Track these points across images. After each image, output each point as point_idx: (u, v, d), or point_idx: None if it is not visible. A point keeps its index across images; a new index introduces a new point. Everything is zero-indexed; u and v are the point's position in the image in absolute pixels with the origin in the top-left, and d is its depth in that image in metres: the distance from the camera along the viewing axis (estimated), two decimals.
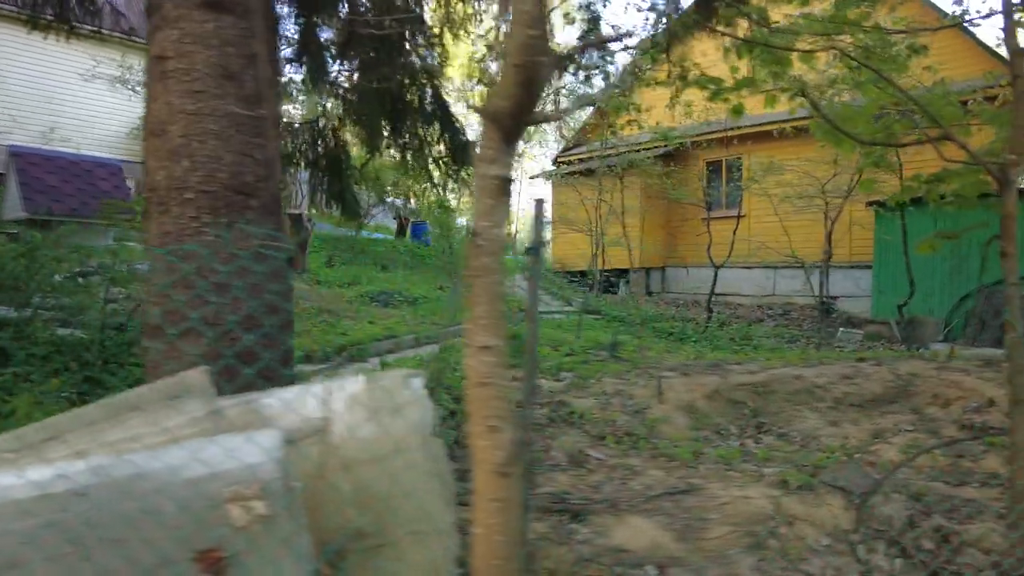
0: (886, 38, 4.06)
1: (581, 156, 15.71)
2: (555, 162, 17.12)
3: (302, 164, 7.00)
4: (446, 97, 6.14)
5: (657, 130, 8.89)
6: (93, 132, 14.63)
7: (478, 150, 1.61)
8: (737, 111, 4.00)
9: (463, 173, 6.30)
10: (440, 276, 13.40)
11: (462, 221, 25.28)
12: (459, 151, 6.22)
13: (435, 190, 6.21)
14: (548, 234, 15.43)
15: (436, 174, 6.31)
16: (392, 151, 6.59)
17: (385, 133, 6.54)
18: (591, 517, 2.79)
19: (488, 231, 1.59)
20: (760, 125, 12.22)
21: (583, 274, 14.83)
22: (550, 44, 1.52)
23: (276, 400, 2.04)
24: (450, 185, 6.24)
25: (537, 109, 1.62)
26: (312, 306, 9.21)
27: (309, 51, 6.20)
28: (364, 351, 7.33)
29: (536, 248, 2.07)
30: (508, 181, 1.62)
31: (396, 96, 6.12)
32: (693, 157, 14.10)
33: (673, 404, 4.78)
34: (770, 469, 3.51)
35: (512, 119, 1.56)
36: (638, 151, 13.34)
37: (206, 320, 2.29)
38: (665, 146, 14.14)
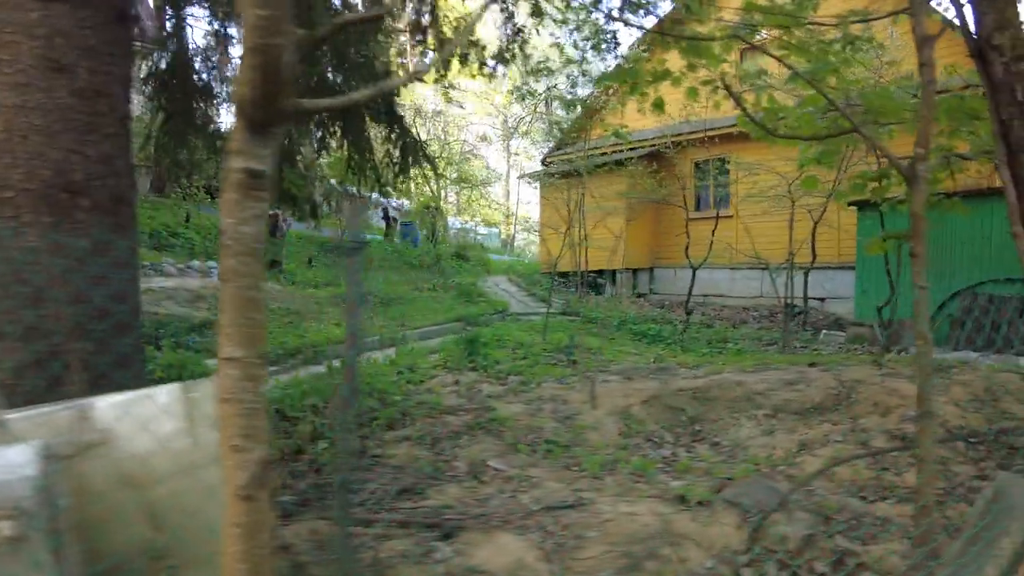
0: (819, 30, 3.86)
1: (568, 157, 15.53)
2: (544, 162, 16.96)
3: None
4: (395, 97, 6.01)
5: (607, 127, 8.68)
6: None
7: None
8: (658, 106, 3.82)
9: (413, 172, 6.16)
10: (421, 277, 13.30)
11: (457, 222, 25.18)
12: (408, 150, 6.09)
13: (381, 189, 6.06)
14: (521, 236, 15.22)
15: (387, 174, 6.18)
16: (344, 150, 6.44)
17: (337, 131, 6.42)
18: (462, 533, 2.64)
19: (234, 229, 1.45)
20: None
21: (565, 275, 14.67)
22: (290, 25, 1.37)
23: (69, 412, 1.91)
24: (399, 184, 6.10)
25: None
26: (280, 307, 9.13)
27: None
28: (320, 353, 7.21)
29: (355, 249, 1.92)
30: (256, 174, 1.48)
31: (340, 93, 6.00)
32: (680, 157, 13.86)
33: (607, 410, 4.61)
34: (680, 482, 3.34)
35: (254, 107, 1.42)
36: (620, 151, 13.16)
37: (23, 324, 2.17)
38: (652, 146, 13.97)
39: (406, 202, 17.88)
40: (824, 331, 10.50)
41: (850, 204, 10.43)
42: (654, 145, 13.79)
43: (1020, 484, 2.05)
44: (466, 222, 25.33)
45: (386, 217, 17.56)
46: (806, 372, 4.89)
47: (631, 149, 14.04)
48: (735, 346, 9.27)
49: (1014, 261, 9.04)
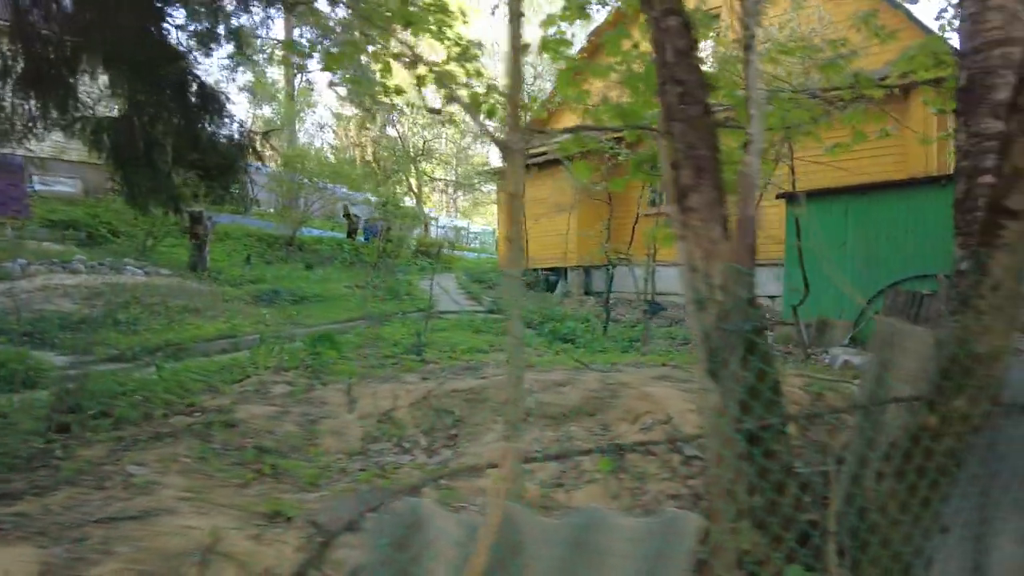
0: None
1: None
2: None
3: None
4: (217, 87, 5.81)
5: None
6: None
7: None
8: (398, 92, 3.52)
9: (226, 179, 5.93)
10: (360, 275, 13.15)
11: (445, 219, 25.00)
12: (232, 141, 5.89)
13: (210, 184, 5.88)
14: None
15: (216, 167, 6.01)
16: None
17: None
18: None
19: None
20: None
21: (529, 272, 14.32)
22: None
23: None
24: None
25: None
26: (177, 304, 9.09)
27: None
28: (184, 351, 7.11)
29: None
30: None
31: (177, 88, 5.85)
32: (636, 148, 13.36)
33: (364, 413, 4.32)
34: (319, 494, 3.04)
35: None
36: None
37: None
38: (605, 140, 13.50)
39: (367, 197, 17.79)
40: None
41: (778, 197, 9.86)
42: (601, 141, 13.33)
43: (531, 519, 1.54)
44: (442, 218, 25.17)
45: (347, 215, 17.48)
46: (581, 373, 4.50)
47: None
48: (643, 346, 8.83)
49: (934, 255, 8.36)
